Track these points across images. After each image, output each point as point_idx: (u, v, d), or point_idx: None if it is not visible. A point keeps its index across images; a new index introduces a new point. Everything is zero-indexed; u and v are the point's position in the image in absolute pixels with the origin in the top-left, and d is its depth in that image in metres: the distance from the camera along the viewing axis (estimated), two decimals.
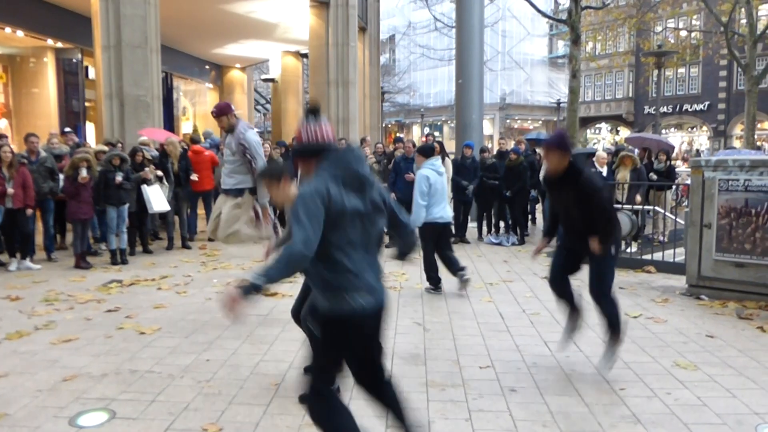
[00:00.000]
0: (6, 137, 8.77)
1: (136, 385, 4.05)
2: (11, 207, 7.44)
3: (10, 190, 7.32)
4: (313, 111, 2.57)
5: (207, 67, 23.70)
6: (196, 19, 16.14)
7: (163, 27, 11.85)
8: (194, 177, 9.49)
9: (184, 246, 9.32)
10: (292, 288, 6.73)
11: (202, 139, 11.70)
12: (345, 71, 14.93)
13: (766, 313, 5.77)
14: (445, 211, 6.60)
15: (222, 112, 5.47)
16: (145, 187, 8.52)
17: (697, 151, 32.74)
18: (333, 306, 2.51)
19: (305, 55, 20.89)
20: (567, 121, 18.80)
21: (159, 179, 8.88)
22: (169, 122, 19.13)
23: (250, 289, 2.33)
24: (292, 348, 4.79)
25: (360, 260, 2.50)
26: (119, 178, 7.94)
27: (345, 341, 2.60)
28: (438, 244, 6.61)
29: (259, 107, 36.77)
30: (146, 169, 8.59)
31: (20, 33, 14.37)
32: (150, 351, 4.72)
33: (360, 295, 2.49)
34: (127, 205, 8.20)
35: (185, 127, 23.05)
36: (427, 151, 6.62)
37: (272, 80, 23.86)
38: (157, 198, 8.63)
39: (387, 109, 40.09)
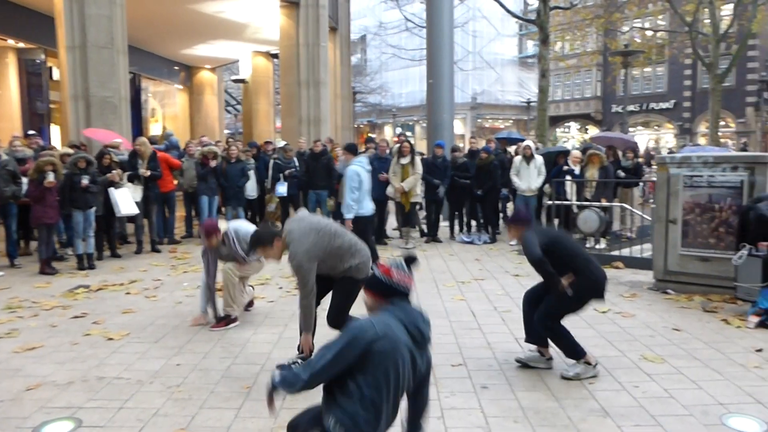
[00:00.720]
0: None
1: (104, 392, 3.97)
2: None
3: None
4: (411, 261, 2.56)
5: (176, 67, 23.37)
6: (164, 20, 15.91)
7: (130, 27, 11.64)
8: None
9: (154, 249, 9.17)
10: (263, 291, 6.69)
11: (161, 141, 11.53)
12: (316, 71, 14.86)
13: (731, 305, 5.91)
14: (370, 205, 7.41)
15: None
16: (112, 190, 8.36)
17: (670, 150, 33.38)
18: None
19: (276, 56, 20.75)
20: (537, 119, 19.01)
21: (130, 180, 8.74)
22: (138, 124, 18.84)
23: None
24: (264, 350, 4.76)
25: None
26: (85, 181, 7.77)
27: None
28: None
29: (229, 108, 36.41)
30: (113, 171, 8.44)
31: None
32: (118, 357, 4.64)
33: None
34: (93, 209, 8.03)
35: (154, 129, 22.70)
36: (353, 148, 7.18)
37: (243, 81, 23.64)
38: (125, 201, 8.47)
39: (359, 109, 40.05)
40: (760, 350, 4.65)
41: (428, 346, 2.47)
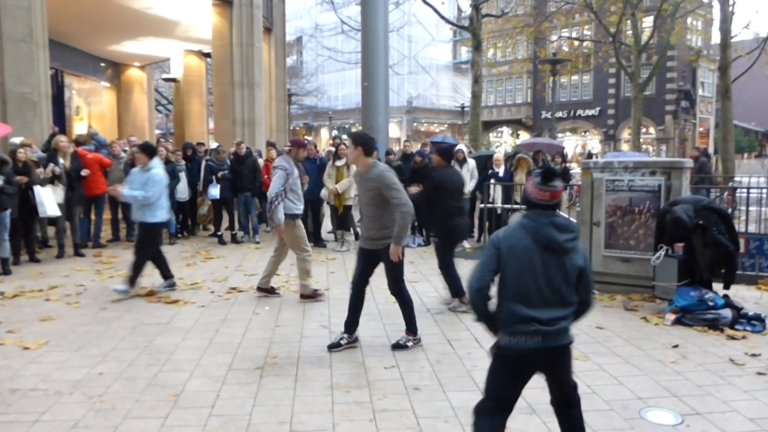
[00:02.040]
0: None
1: (17, 405, 3.76)
2: None
3: None
4: (551, 176, 2.82)
5: (102, 64, 22.41)
6: (90, 13, 15.21)
7: (52, 20, 11.09)
8: (84, 172, 8.84)
9: (77, 254, 8.76)
10: (194, 295, 6.52)
11: (88, 141, 11.02)
12: (250, 72, 14.63)
13: (650, 304, 6.21)
14: (168, 212, 7.14)
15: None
16: (38, 189, 7.93)
17: (590, 152, 34.80)
18: None
19: (208, 55, 20.27)
20: (470, 124, 19.41)
21: (52, 180, 8.32)
22: (61, 122, 17.94)
23: None
24: (194, 357, 4.63)
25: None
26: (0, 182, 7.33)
27: None
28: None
29: (160, 108, 35.28)
30: (50, 167, 8.07)
31: None
32: (34, 367, 4.40)
33: None
34: (8, 211, 7.58)
35: (79, 128, 21.70)
36: (149, 149, 6.81)
37: (174, 80, 22.94)
38: (50, 201, 8.05)
39: (294, 111, 39.75)
40: (676, 346, 4.91)
41: (567, 249, 2.75)
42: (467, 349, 4.82)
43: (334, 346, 4.82)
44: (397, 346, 4.86)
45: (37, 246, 8.78)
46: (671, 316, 5.58)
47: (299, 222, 6.41)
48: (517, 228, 2.79)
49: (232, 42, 14.49)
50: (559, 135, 36.80)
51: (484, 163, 10.48)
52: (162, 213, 6.63)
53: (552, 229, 2.73)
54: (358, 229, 10.60)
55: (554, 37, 33.96)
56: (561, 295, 2.74)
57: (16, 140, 8.85)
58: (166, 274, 6.81)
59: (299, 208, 6.39)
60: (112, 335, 5.15)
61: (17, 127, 10.12)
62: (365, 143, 4.71)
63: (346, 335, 4.89)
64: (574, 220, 8.93)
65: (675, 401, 3.85)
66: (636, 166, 6.69)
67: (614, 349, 4.87)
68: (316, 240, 9.79)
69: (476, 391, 3.97)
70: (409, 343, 4.88)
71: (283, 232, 6.21)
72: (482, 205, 9.16)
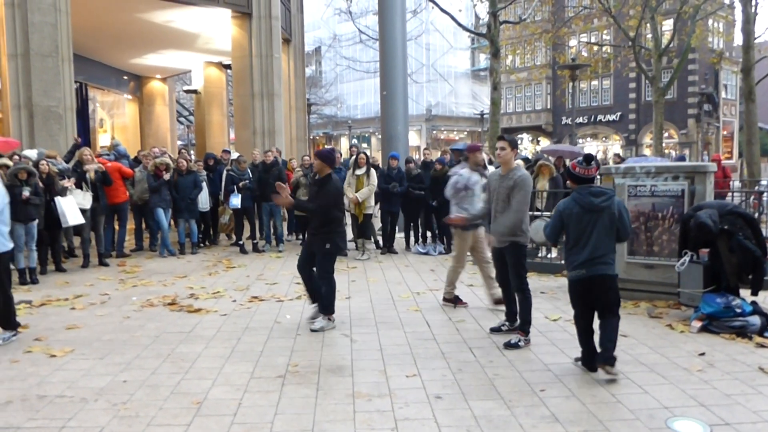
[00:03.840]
0: None
1: (45, 411, 3.82)
2: None
3: None
4: (590, 158, 4.31)
5: (125, 77, 22.81)
6: (112, 28, 15.53)
7: (77, 35, 11.36)
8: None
9: (102, 263, 8.89)
10: (216, 304, 6.57)
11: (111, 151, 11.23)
12: (270, 83, 14.76)
13: (675, 311, 6.11)
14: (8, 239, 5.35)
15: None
16: (59, 200, 8.08)
17: (618, 155, 34.37)
18: None
19: (228, 66, 20.52)
20: (490, 131, 19.34)
21: (78, 186, 8.48)
22: (85, 134, 18.28)
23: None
24: (216, 365, 4.66)
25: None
26: (26, 193, 7.48)
27: None
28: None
29: (182, 119, 35.76)
30: (66, 178, 8.21)
31: None
32: (61, 374, 4.46)
33: None
34: (36, 222, 7.74)
35: (103, 140, 22.07)
36: None
37: (195, 91, 23.25)
38: (72, 211, 8.20)
39: (314, 121, 40.00)
40: (702, 354, 4.82)
41: (602, 208, 4.24)
42: (489, 357, 4.78)
43: (495, 329, 5.47)
44: (509, 346, 5.03)
45: (64, 256, 8.92)
46: (697, 324, 5.47)
47: (470, 233, 6.34)
48: (570, 199, 4.34)
49: (251, 53, 14.64)
50: (580, 141, 36.54)
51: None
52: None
53: (590, 196, 4.26)
54: (379, 238, 10.64)
55: (573, 43, 33.76)
56: (601, 241, 4.22)
57: (31, 152, 9.03)
58: (11, 323, 5.36)
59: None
60: (135, 343, 5.21)
61: (43, 139, 10.38)
62: (517, 146, 5.36)
63: (507, 323, 5.48)
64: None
65: (702, 411, 3.77)
66: (658, 171, 6.61)
67: (639, 357, 4.79)
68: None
69: (499, 400, 3.94)
70: (521, 343, 5.04)
71: (456, 237, 6.51)
72: None
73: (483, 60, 45.58)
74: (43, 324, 5.82)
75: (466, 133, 47.46)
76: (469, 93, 46.88)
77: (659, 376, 4.36)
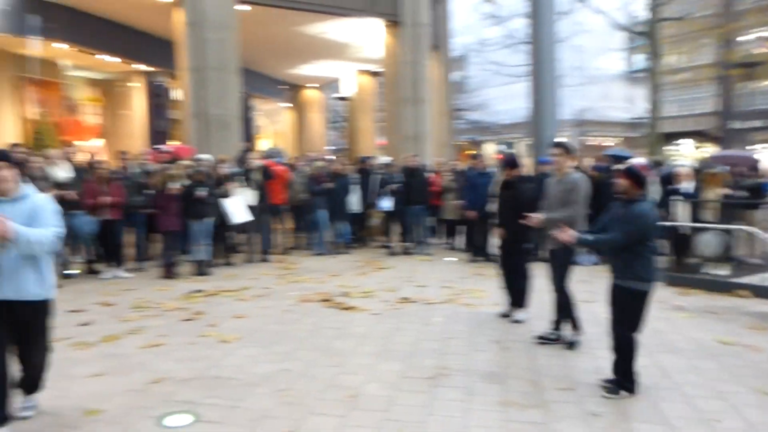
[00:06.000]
0: (103, 158, 9.39)
1: (219, 390, 4.18)
2: (107, 218, 7.94)
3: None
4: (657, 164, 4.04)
5: (284, 87, 24.45)
6: (272, 42, 16.70)
7: (243, 50, 12.35)
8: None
9: (263, 259, 9.58)
10: (367, 303, 6.79)
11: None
12: (418, 89, 15.01)
13: None
14: None
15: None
16: (227, 200, 8.83)
17: None
18: None
19: (379, 74, 21.19)
20: (648, 137, 18.13)
21: (247, 179, 9.24)
22: (247, 140, 19.83)
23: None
24: (368, 362, 4.81)
25: None
26: (202, 192, 8.27)
27: None
28: None
29: (334, 125, 37.54)
30: (234, 180, 8.95)
31: (116, 59, 15.39)
32: (231, 359, 4.87)
33: None
34: (209, 219, 8.52)
35: (262, 146, 23.81)
36: None
37: (346, 98, 24.31)
38: (238, 210, 8.92)
39: (459, 126, 39.94)
40: None
41: None
42: (654, 379, 4.46)
43: (542, 338, 5.34)
44: (571, 345, 5.15)
45: (230, 251, 9.72)
46: None
47: None
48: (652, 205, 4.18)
49: (401, 60, 14.99)
50: (756, 147, 32.96)
51: (667, 178, 9.69)
52: None
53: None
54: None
55: (746, 38, 30.57)
56: None
57: (207, 156, 9.94)
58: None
59: None
60: (294, 336, 5.54)
61: (214, 145, 11.39)
62: (572, 152, 5.36)
63: (555, 332, 5.35)
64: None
65: None
66: None
67: None
68: (485, 254, 9.73)
69: (665, 425, 3.66)
70: (577, 337, 5.22)
71: None
72: (664, 224, 8.45)
73: (640, 61, 42.83)
74: (215, 312, 6.39)
75: (619, 138, 44.86)
76: (623, 96, 44.25)
77: None
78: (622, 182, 4.21)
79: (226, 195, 8.86)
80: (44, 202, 3.55)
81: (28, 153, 8.14)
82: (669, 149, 40.31)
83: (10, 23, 12.43)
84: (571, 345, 5.19)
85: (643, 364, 4.72)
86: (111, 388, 4.19)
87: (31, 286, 3.46)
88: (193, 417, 3.74)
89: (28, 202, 3.45)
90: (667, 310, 6.50)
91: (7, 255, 3.35)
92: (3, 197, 3.39)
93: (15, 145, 7.75)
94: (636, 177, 4.15)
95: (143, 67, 16.82)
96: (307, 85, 24.85)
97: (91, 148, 15.32)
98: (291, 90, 25.06)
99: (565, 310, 5.25)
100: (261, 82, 22.20)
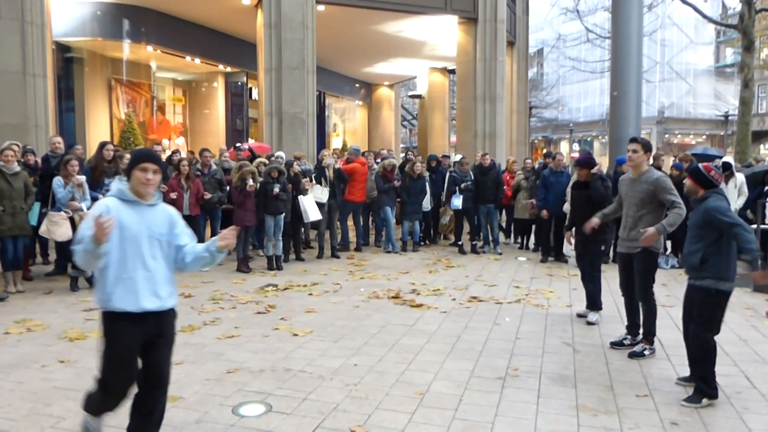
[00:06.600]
0: (189, 155, 9.78)
1: (290, 382, 4.29)
2: (188, 214, 8.30)
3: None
4: (727, 167, 4.06)
5: (357, 85, 24.74)
6: (349, 41, 16.93)
7: (318, 49, 12.58)
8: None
9: (334, 255, 9.73)
10: (436, 301, 6.78)
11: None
12: (492, 86, 14.80)
13: None
14: None
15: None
16: (301, 198, 9.04)
17: None
18: None
19: (452, 71, 21.06)
20: (737, 134, 17.14)
21: (318, 182, 9.46)
22: (321, 138, 20.22)
23: None
24: (437, 359, 4.80)
25: None
26: (276, 189, 8.50)
27: None
28: None
29: (405, 123, 37.68)
30: (304, 180, 9.15)
31: (197, 60, 16.08)
32: (302, 352, 4.98)
33: None
34: (283, 215, 8.75)
35: (335, 143, 24.22)
36: None
37: (419, 96, 24.31)
38: (312, 208, 9.12)
39: (534, 124, 39.09)
40: None
41: None
42: (736, 388, 4.23)
43: (616, 344, 5.15)
44: (635, 355, 4.90)
45: (302, 246, 9.94)
46: None
47: None
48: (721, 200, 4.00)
49: (475, 57, 14.82)
50: None
51: (761, 178, 9.14)
52: None
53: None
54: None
55: None
56: None
57: (281, 154, 10.18)
58: None
59: None
60: (363, 331, 5.60)
61: (289, 143, 11.68)
62: (651, 149, 5.12)
63: (629, 336, 5.17)
64: None
65: None
66: None
67: None
68: (557, 255, 9.51)
69: None
70: (646, 352, 4.91)
71: None
72: (755, 226, 7.97)
73: (730, 55, 40.46)
74: (287, 306, 6.55)
75: (704, 136, 42.58)
76: (711, 92, 41.93)
77: None
78: (687, 183, 4.26)
79: (301, 192, 9.07)
80: (171, 209, 3.23)
81: (117, 151, 8.60)
82: (762, 148, 37.94)
83: (104, 28, 13.23)
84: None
85: (727, 373, 4.50)
86: (189, 377, 4.38)
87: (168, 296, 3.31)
88: (265, 407, 3.86)
89: (161, 209, 3.15)
90: (756, 317, 6.14)
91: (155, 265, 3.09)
92: (143, 201, 3.05)
93: (105, 143, 8.20)
94: (698, 176, 4.12)
95: (223, 68, 17.49)
96: (381, 83, 25.03)
97: (175, 146, 16.10)
98: (364, 88, 25.33)
99: (649, 320, 4.97)
100: (335, 81, 22.57)
